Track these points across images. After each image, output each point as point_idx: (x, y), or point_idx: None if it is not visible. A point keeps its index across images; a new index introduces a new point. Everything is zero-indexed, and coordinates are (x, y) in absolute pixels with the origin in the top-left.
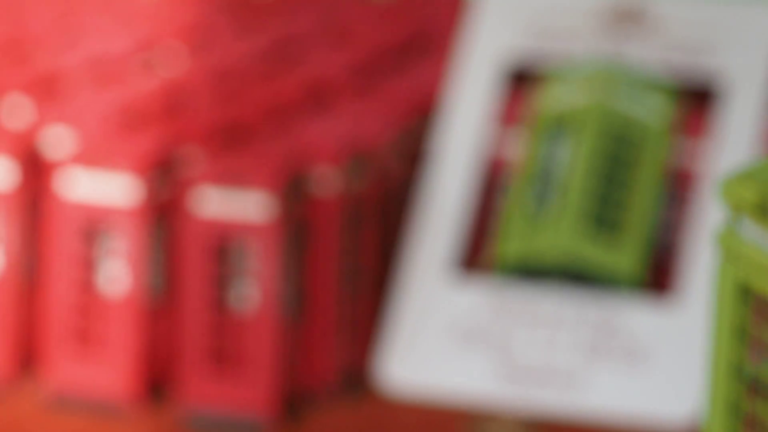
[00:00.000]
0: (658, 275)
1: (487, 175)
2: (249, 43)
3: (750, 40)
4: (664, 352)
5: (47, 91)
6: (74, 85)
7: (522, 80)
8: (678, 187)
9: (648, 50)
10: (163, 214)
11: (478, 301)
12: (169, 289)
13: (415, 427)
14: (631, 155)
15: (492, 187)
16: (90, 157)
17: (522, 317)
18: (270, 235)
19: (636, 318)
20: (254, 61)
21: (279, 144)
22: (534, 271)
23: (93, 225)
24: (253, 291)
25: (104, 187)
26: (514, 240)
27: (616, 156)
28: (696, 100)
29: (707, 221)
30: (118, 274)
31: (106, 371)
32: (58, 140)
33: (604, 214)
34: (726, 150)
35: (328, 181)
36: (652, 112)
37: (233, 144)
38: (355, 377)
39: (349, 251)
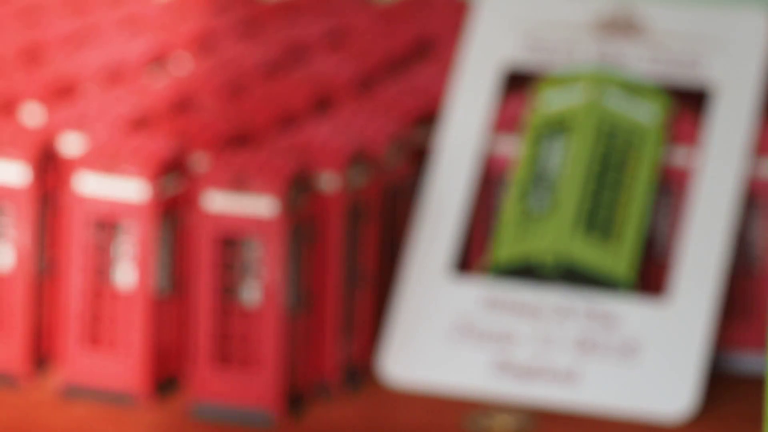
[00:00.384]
0: (650, 274)
1: (486, 176)
2: (255, 48)
3: (741, 44)
4: (657, 349)
5: (62, 94)
6: (88, 89)
7: (519, 84)
8: (670, 187)
9: (641, 55)
10: (172, 212)
11: (477, 299)
12: (178, 284)
13: (415, 422)
14: (624, 156)
15: (491, 189)
16: (102, 158)
17: (518, 315)
18: (274, 234)
19: (629, 315)
20: (260, 66)
21: (284, 147)
22: (529, 273)
23: (104, 223)
24: (259, 287)
25: (116, 187)
26: (509, 243)
27: (610, 156)
28: (688, 104)
29: (699, 221)
30: (129, 269)
31: (117, 363)
32: (71, 142)
33: (598, 215)
34: (718, 152)
35: (331, 182)
36: (646, 113)
37: (240, 147)
38: (358, 372)
39: (352, 250)
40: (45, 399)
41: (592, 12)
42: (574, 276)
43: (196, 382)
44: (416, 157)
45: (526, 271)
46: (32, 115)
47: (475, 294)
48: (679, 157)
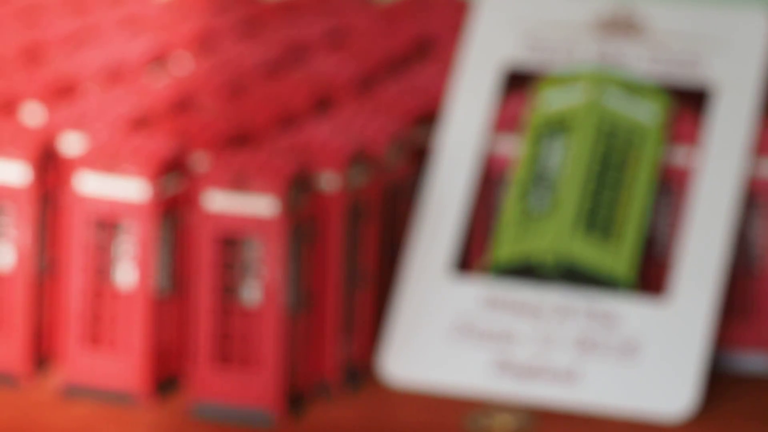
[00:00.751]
0: (650, 273)
1: (486, 176)
2: (255, 48)
3: (741, 44)
4: (658, 348)
5: (62, 94)
6: (88, 88)
7: (519, 83)
8: (671, 187)
9: (641, 54)
10: (173, 212)
11: (477, 299)
12: (179, 284)
13: (415, 421)
14: (624, 155)
15: (491, 188)
16: (102, 158)
17: (518, 314)
18: (275, 233)
19: (629, 315)
20: (260, 66)
21: (284, 147)
22: (529, 273)
23: (105, 223)
24: (259, 287)
25: (116, 187)
26: (509, 242)
27: (610, 156)
28: (688, 104)
29: (699, 220)
30: (129, 269)
31: (117, 363)
32: (72, 141)
33: (598, 214)
34: (718, 152)
35: (331, 181)
36: (646, 113)
37: (240, 147)
38: (358, 371)
39: (352, 249)
40: (45, 398)
41: (592, 12)
42: (574, 275)
43: (197, 382)
44: (416, 157)
45: (526, 271)
46: (33, 114)
47: (476, 293)
48: (680, 156)
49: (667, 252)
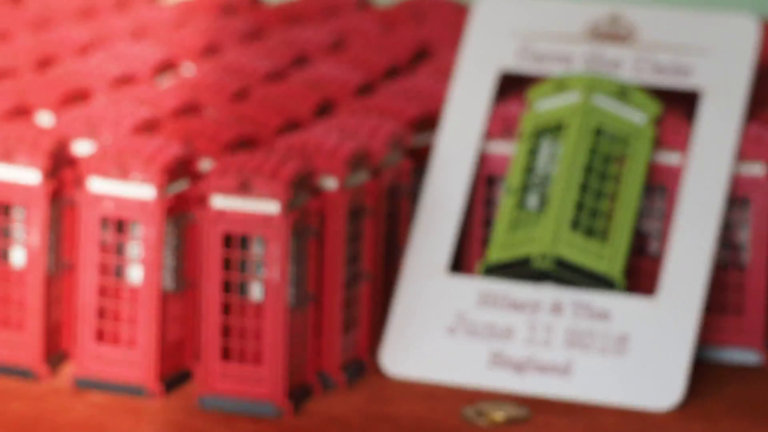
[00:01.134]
0: (641, 271)
1: (483, 177)
2: (260, 54)
3: (730, 49)
4: (647, 343)
5: (74, 100)
6: (99, 95)
7: (515, 88)
8: (660, 188)
9: (632, 60)
10: (180, 213)
11: (473, 296)
12: (187, 281)
13: (414, 413)
14: (615, 157)
15: (487, 190)
16: (112, 161)
17: (513, 311)
18: (279, 233)
19: (620, 311)
20: (264, 72)
21: (287, 149)
22: (524, 271)
23: (115, 224)
24: (264, 284)
25: (126, 189)
26: (504, 242)
27: (602, 159)
28: (678, 107)
29: (687, 220)
30: (139, 268)
31: (128, 357)
32: (83, 146)
33: (590, 215)
34: (707, 154)
35: (333, 183)
36: (637, 117)
37: (245, 150)
38: (359, 365)
39: (353, 248)
40: (59, 391)
41: (585, 19)
42: (566, 274)
43: (204, 375)
44: (415, 159)
45: (521, 270)
46: (46, 119)
47: (472, 291)
48: (669, 159)
49: (657, 250)
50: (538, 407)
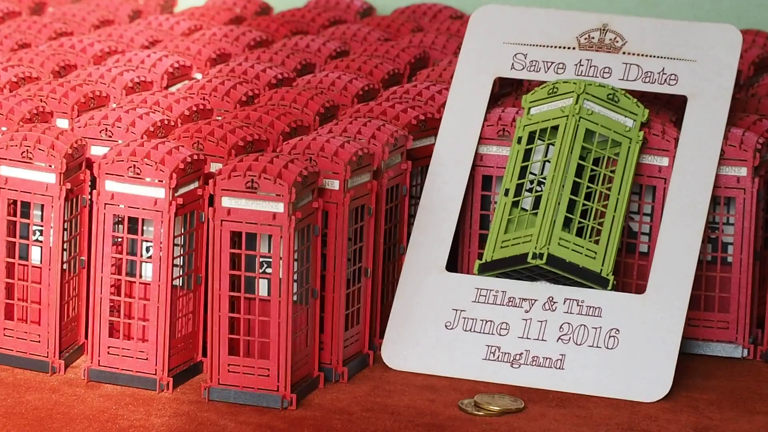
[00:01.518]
0: (631, 269)
1: (479, 179)
2: (267, 62)
3: (715, 56)
4: (637, 338)
5: (90, 105)
6: (114, 100)
7: (509, 94)
8: (648, 190)
9: (621, 68)
10: (191, 213)
11: (471, 293)
12: (196, 278)
13: (414, 404)
14: (606, 161)
15: (484, 191)
16: (126, 164)
17: (509, 308)
18: (285, 232)
19: (611, 308)
20: (271, 79)
21: (293, 152)
22: (519, 269)
23: (129, 223)
24: (270, 281)
25: (139, 190)
26: (500, 241)
27: (592, 161)
28: (666, 112)
29: (674, 221)
30: (151, 265)
31: (140, 350)
32: (99, 149)
33: (582, 216)
34: (692, 157)
35: (336, 184)
36: (626, 122)
37: (252, 153)
38: (362, 359)
39: (356, 246)
40: (73, 384)
41: (577, 29)
42: (559, 272)
43: (213, 368)
44: (415, 162)
45: (516, 268)
46: (63, 123)
47: (469, 288)
48: (657, 162)
49: (646, 249)
50: (533, 399)
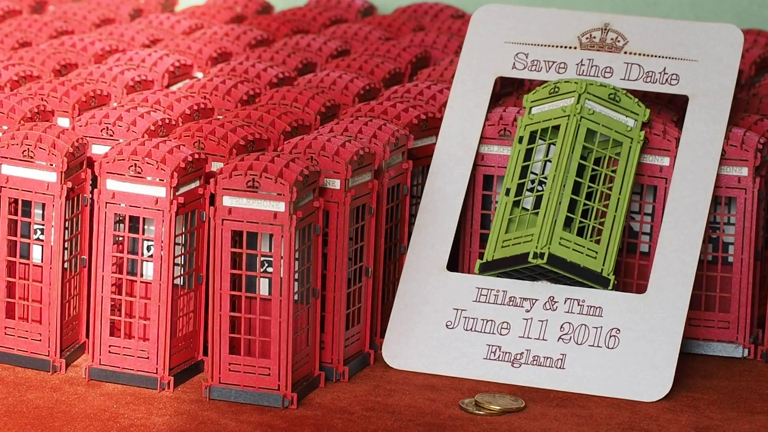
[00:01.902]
0: (632, 269)
1: (480, 179)
2: (268, 61)
3: (717, 56)
4: (639, 339)
5: (91, 105)
6: (114, 99)
7: (511, 94)
8: (650, 189)
9: (623, 68)
10: (191, 212)
11: (472, 293)
12: (197, 277)
13: (415, 404)
14: (607, 161)
15: (485, 191)
16: (127, 162)
17: (510, 307)
18: (285, 231)
19: (612, 308)
20: (272, 78)
21: (294, 152)
22: (519, 269)
23: (130, 222)
24: (272, 280)
25: (140, 189)
26: (501, 241)
27: (594, 160)
28: (667, 112)
29: (675, 221)
30: (152, 264)
31: (141, 349)
32: (100, 148)
33: (583, 216)
34: (694, 157)
35: (338, 183)
36: (627, 121)
37: (253, 152)
38: (362, 358)
39: (356, 246)
40: (74, 382)
41: (578, 29)
42: (560, 272)
43: (214, 367)
44: (416, 161)
45: (517, 267)
46: (64, 122)
47: (470, 288)
48: (658, 161)
49: (647, 249)
50: (533, 398)
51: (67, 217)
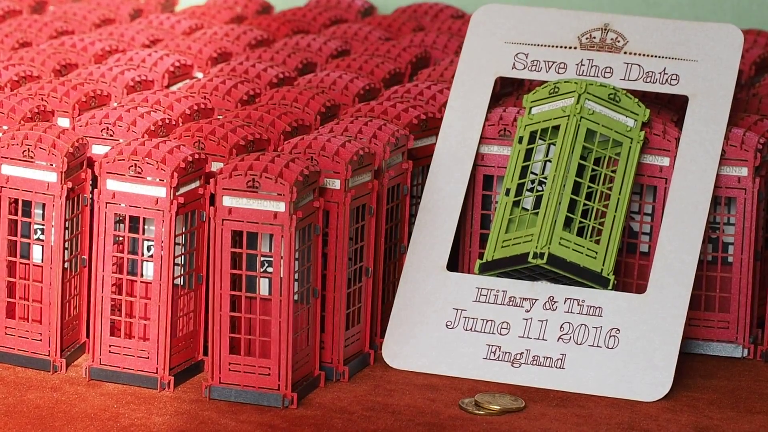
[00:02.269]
0: (632, 269)
1: (480, 179)
2: (268, 62)
3: (717, 56)
4: (638, 339)
5: (91, 105)
6: (115, 100)
7: (511, 94)
8: (649, 190)
9: (623, 68)
10: (192, 212)
11: (472, 293)
12: (197, 277)
13: (415, 403)
14: (607, 161)
15: (485, 191)
16: (127, 162)
17: (509, 307)
18: (285, 231)
19: (612, 307)
20: (273, 78)
21: (294, 152)
22: (519, 269)
23: (130, 222)
24: (272, 280)
25: (140, 189)
26: (501, 241)
27: (593, 161)
28: (667, 112)
29: (675, 220)
30: (152, 263)
31: (141, 348)
32: (100, 148)
33: (583, 216)
34: (694, 156)
35: (337, 183)
36: (627, 122)
37: (253, 152)
38: (362, 358)
39: (356, 246)
40: (74, 382)
41: (578, 29)
42: (560, 272)
43: (214, 366)
44: (416, 161)
45: (517, 267)
46: (64, 122)
47: (470, 288)
48: (658, 161)
49: (647, 249)
50: (533, 398)
51: (67, 217)
